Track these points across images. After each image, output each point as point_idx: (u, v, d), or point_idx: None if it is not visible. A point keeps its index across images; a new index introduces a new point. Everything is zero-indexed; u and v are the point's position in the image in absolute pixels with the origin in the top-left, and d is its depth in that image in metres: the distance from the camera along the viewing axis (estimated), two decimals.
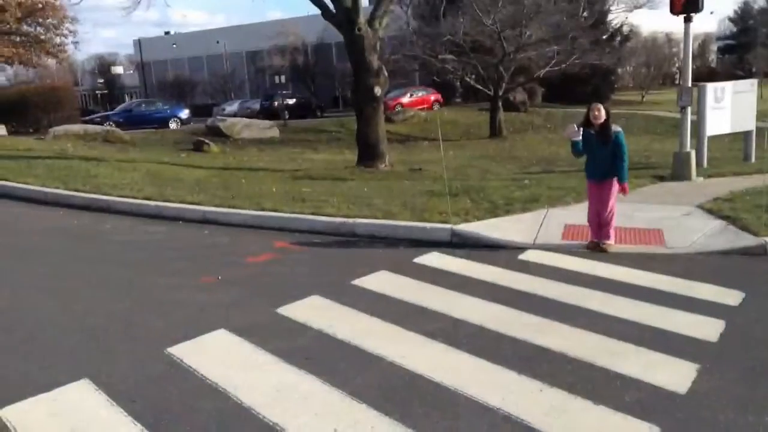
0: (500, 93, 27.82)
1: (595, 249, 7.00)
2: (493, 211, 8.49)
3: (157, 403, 3.77)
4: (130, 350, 4.54)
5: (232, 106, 46.34)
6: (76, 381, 4.04)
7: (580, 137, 6.89)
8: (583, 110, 7.27)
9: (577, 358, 4.26)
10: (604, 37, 36.97)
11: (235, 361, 4.33)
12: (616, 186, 7.01)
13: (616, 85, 46.52)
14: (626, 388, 3.84)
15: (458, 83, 39.66)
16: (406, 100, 38.39)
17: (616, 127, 6.88)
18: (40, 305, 5.53)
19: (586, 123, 6.91)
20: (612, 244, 7.03)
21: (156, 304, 5.49)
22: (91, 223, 8.96)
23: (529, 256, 6.87)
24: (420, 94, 40.19)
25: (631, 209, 8.40)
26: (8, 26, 27.69)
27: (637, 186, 10.35)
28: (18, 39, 29.49)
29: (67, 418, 3.62)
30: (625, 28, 41.21)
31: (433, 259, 6.82)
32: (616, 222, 7.15)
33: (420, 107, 36.75)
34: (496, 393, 3.80)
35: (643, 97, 45.57)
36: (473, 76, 29.27)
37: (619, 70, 44.72)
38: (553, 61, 26.71)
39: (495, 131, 27.79)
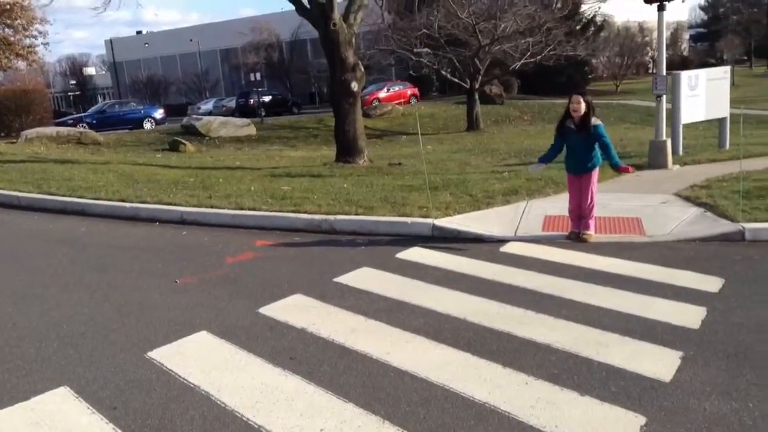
0: (476, 86, 27.87)
1: (576, 239, 7.03)
2: (474, 204, 8.49)
3: (138, 409, 3.70)
4: (110, 355, 4.45)
5: (207, 105, 46.12)
6: (55, 388, 3.96)
7: (544, 165, 7.36)
8: (558, 101, 7.34)
9: (562, 349, 4.26)
10: (578, 27, 37.26)
11: (217, 363, 4.26)
12: (596, 178, 7.06)
13: (590, 76, 46.89)
14: (611, 378, 3.85)
15: (434, 77, 39.76)
16: (383, 94, 38.48)
17: (595, 121, 6.88)
18: (16, 312, 5.41)
19: (567, 115, 6.92)
20: (592, 234, 7.06)
21: (135, 308, 5.41)
22: (67, 227, 8.81)
23: (510, 248, 6.87)
24: (397, 88, 40.31)
25: (609, 198, 8.45)
26: None
27: (614, 175, 10.39)
28: None
29: (46, 426, 3.54)
30: (599, 18, 41.55)
31: (415, 253, 6.80)
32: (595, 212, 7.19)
33: (397, 102, 36.82)
34: (482, 387, 3.79)
35: (617, 86, 45.98)
36: (449, 70, 29.33)
37: (593, 61, 45.03)
38: (528, 53, 26.81)
39: (472, 124, 27.84)
